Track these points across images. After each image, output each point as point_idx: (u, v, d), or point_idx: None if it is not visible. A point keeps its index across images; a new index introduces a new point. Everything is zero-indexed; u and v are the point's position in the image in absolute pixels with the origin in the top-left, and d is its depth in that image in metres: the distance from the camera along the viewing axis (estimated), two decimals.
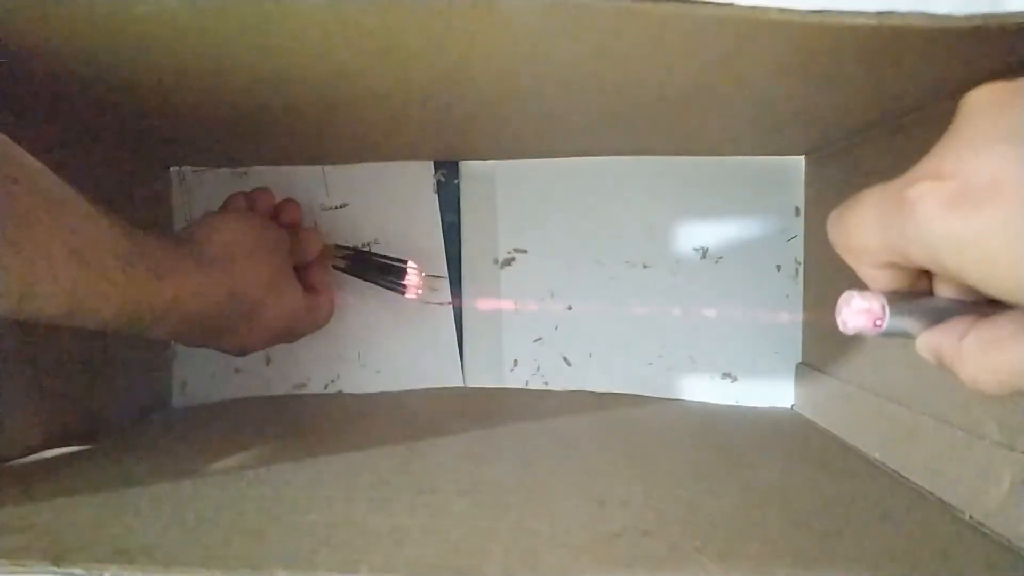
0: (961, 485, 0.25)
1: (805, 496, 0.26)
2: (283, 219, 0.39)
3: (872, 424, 0.32)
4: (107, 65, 0.25)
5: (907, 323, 0.17)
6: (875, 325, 0.17)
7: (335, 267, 0.42)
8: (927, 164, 0.15)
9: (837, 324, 0.17)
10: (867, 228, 0.16)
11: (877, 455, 0.31)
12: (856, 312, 0.17)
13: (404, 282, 0.41)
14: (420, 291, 0.41)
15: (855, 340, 0.35)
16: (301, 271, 0.38)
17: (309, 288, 0.38)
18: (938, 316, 0.16)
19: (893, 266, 0.17)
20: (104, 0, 0.20)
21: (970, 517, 0.24)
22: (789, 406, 0.42)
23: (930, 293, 0.17)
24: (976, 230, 0.13)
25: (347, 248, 0.43)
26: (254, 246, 0.34)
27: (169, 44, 0.23)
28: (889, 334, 0.17)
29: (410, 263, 0.41)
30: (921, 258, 0.15)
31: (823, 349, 0.39)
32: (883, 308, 0.16)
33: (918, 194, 0.14)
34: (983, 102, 0.14)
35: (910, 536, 0.23)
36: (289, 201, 0.40)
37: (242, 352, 0.36)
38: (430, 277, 0.43)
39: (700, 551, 0.21)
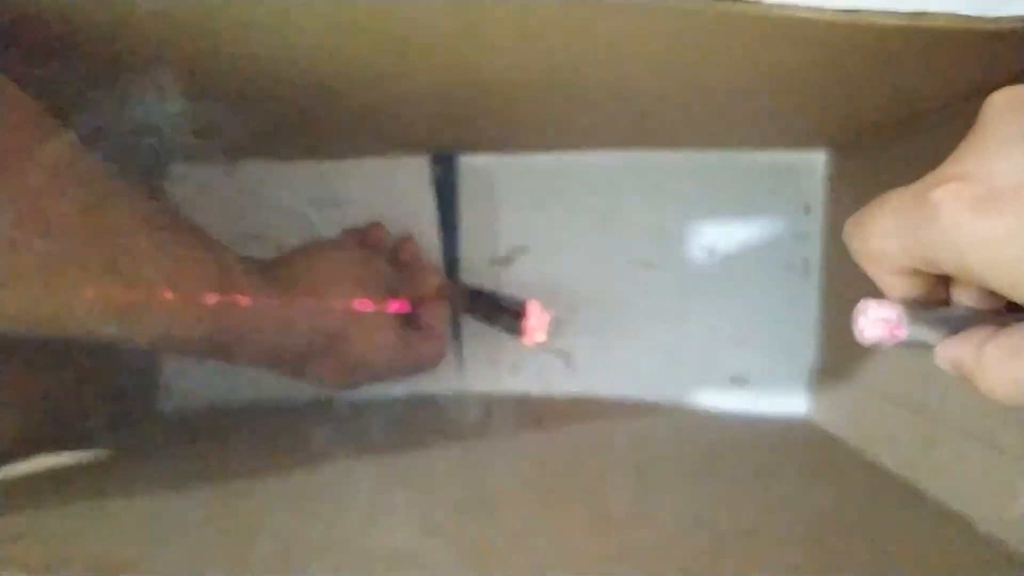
0: (980, 499, 0.24)
1: (820, 512, 0.25)
2: (400, 256, 0.39)
3: (890, 434, 0.31)
4: (101, 56, 0.24)
5: (925, 333, 0.17)
6: (893, 335, 0.16)
7: (457, 309, 0.40)
8: (950, 166, 0.15)
9: (854, 334, 0.17)
10: (888, 232, 0.16)
11: (891, 464, 0.30)
12: (873, 322, 0.16)
13: (523, 325, 0.38)
14: (541, 336, 0.38)
15: (873, 347, 0.34)
16: (415, 310, 0.37)
17: (419, 327, 0.37)
18: (956, 326, 0.16)
19: (913, 272, 0.16)
20: None
21: (987, 532, 0.23)
22: (800, 411, 0.41)
23: (947, 303, 0.17)
24: (1001, 233, 0.13)
25: (465, 286, 0.41)
26: (345, 279, 0.33)
27: (161, 36, 0.23)
28: (908, 344, 0.17)
29: (530, 303, 0.38)
30: (944, 262, 0.15)
31: (840, 355, 0.38)
32: (900, 317, 0.16)
33: (942, 196, 0.14)
34: (1006, 104, 0.14)
35: (928, 551, 0.22)
36: (406, 239, 0.40)
37: (334, 387, 0.35)
38: (553, 321, 0.40)
39: (708, 568, 0.20)
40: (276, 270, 0.32)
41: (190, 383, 0.44)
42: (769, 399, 0.42)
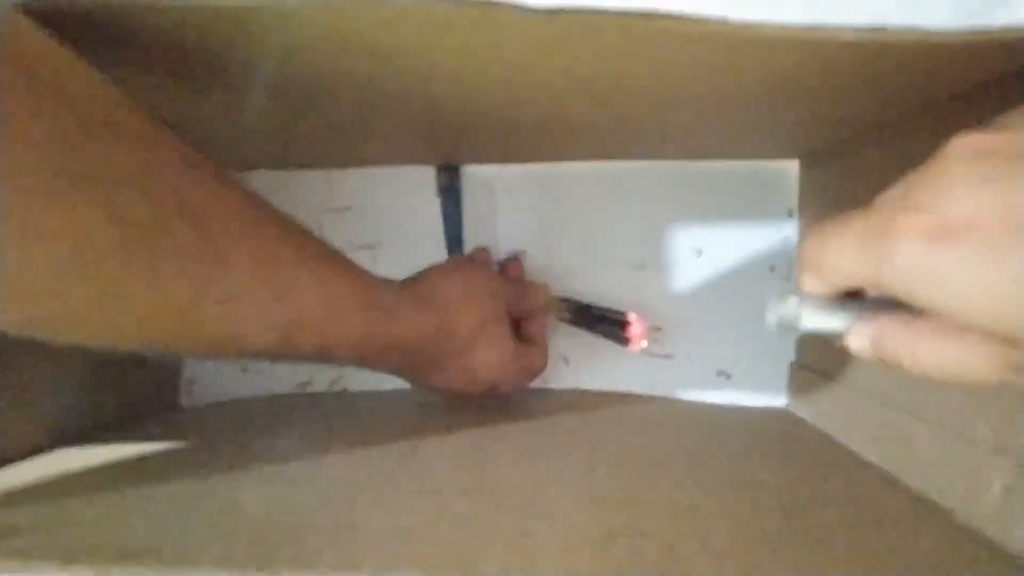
0: (954, 489, 0.25)
1: (800, 497, 0.26)
2: (509, 273, 0.42)
3: (865, 426, 0.32)
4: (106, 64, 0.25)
5: (831, 320, 0.18)
6: (796, 324, 0.18)
7: (559, 319, 0.43)
8: (908, 196, 0.15)
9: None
10: (846, 251, 0.17)
11: (871, 457, 0.31)
12: (776, 313, 0.18)
13: (627, 335, 0.41)
14: (644, 343, 0.41)
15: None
16: (521, 323, 0.40)
17: (525, 339, 0.40)
18: (861, 314, 0.18)
19: (850, 288, 0.17)
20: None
21: (963, 520, 0.24)
22: (783, 404, 0.43)
23: (854, 296, 0.18)
24: (953, 265, 0.14)
25: (570, 301, 0.43)
26: (469, 293, 0.36)
27: (169, 45, 0.23)
28: (814, 330, 0.18)
29: (631, 314, 0.42)
30: (895, 288, 0.15)
31: (817, 351, 0.40)
32: (798, 303, 0.18)
33: (898, 226, 0.15)
34: (964, 150, 0.15)
35: (904, 539, 0.23)
36: (513, 259, 0.43)
37: (452, 393, 0.38)
38: (652, 329, 0.43)
39: (697, 551, 0.21)
40: (409, 289, 0.35)
41: (210, 379, 0.46)
42: (752, 393, 0.43)
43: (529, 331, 0.40)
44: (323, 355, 0.29)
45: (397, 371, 0.35)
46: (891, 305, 0.17)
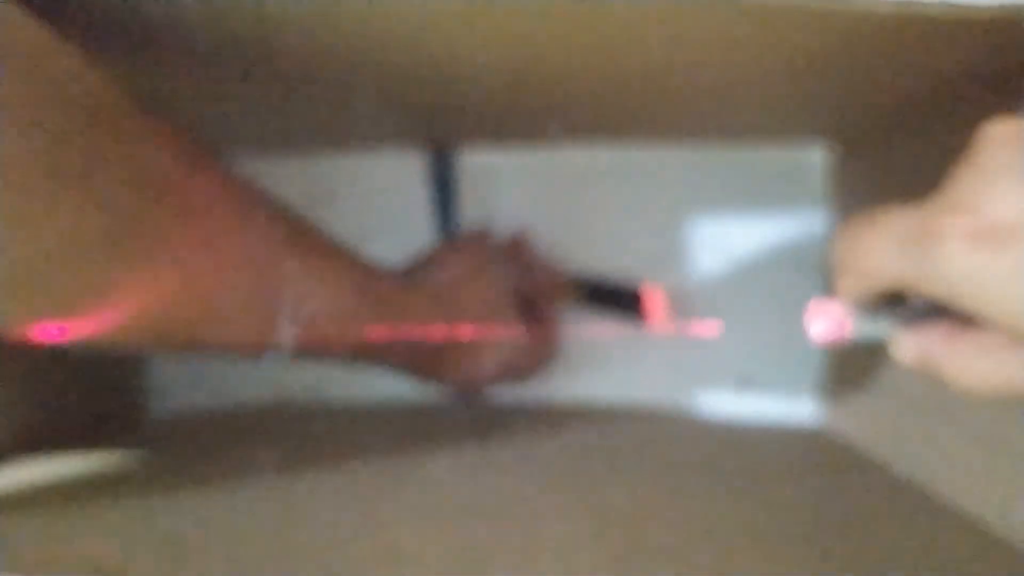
0: (992, 500, 0.24)
1: (827, 515, 0.25)
2: (516, 252, 0.40)
3: (898, 435, 0.31)
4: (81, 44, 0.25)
5: (876, 328, 0.17)
6: (841, 329, 0.18)
7: (573, 300, 0.41)
8: (950, 195, 0.15)
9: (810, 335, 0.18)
10: (884, 252, 0.16)
11: (902, 467, 0.30)
12: (822, 321, 0.18)
13: (643, 311, 0.39)
14: (665, 320, 0.39)
15: (880, 350, 0.34)
16: (532, 304, 0.38)
17: (537, 322, 0.38)
18: (907, 321, 0.17)
19: (888, 292, 0.17)
20: None
21: (1002, 534, 0.23)
22: (807, 413, 0.40)
23: (897, 300, 0.18)
24: (998, 269, 0.14)
25: (583, 280, 0.41)
26: (474, 277, 0.35)
27: (145, 20, 0.22)
28: (861, 339, 0.18)
29: (648, 287, 0.39)
30: (938, 291, 0.15)
31: (848, 356, 0.38)
32: (843, 312, 0.17)
33: (942, 228, 0.15)
34: (999, 138, 0.15)
35: (936, 553, 0.22)
36: (520, 238, 0.41)
37: (467, 388, 0.37)
38: (671, 303, 0.41)
39: (716, 574, 0.20)
40: (409, 277, 0.34)
41: (181, 385, 0.44)
42: (775, 401, 0.41)
43: (541, 313, 0.39)
44: (319, 351, 0.28)
45: (402, 368, 0.34)
46: (936, 310, 0.17)
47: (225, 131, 0.39)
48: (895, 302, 0.17)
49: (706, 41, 0.23)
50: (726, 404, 0.41)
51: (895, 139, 0.33)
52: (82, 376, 0.38)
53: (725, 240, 0.41)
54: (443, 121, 0.38)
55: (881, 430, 0.33)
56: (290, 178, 0.43)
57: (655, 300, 0.39)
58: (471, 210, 0.43)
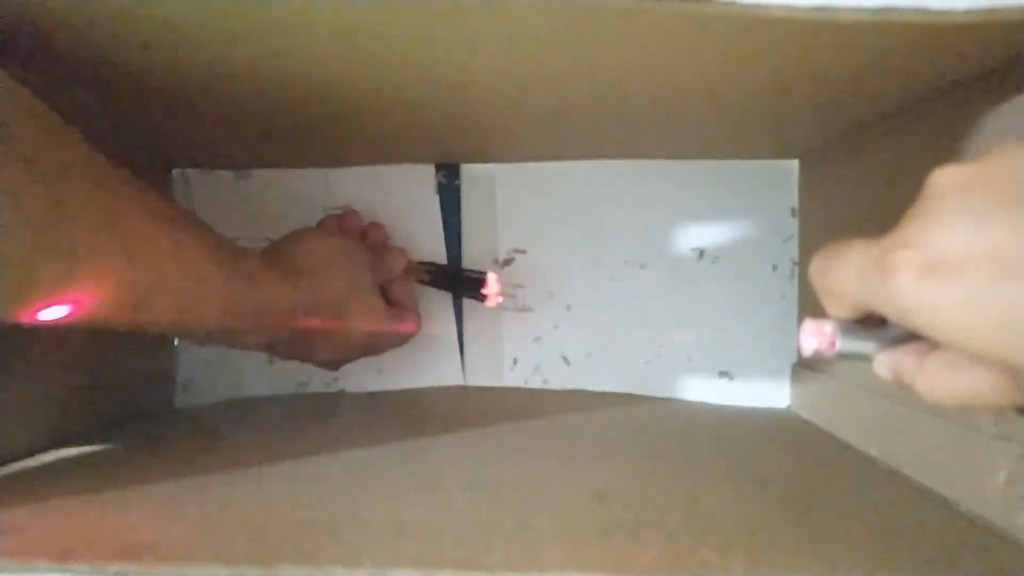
0: (958, 478, 0.25)
1: (802, 491, 0.26)
2: (369, 239, 0.41)
3: (868, 420, 0.32)
4: (111, 64, 0.25)
5: (860, 346, 0.19)
6: (830, 346, 0.19)
7: (419, 281, 0.43)
8: (904, 232, 0.16)
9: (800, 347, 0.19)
10: (848, 281, 0.18)
11: (873, 451, 0.31)
12: (810, 335, 0.19)
13: (484, 291, 0.42)
14: (501, 299, 0.42)
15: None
16: (386, 288, 0.40)
17: (394, 303, 0.40)
18: (890, 341, 0.18)
19: (864, 313, 0.18)
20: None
21: (967, 510, 0.24)
22: (785, 404, 0.42)
23: (883, 322, 0.19)
24: (944, 299, 0.15)
25: (429, 264, 0.44)
26: (335, 260, 0.36)
27: (175, 44, 0.23)
28: (845, 355, 0.19)
29: (490, 273, 0.43)
30: (893, 316, 0.16)
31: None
32: (835, 333, 0.18)
33: (895, 262, 0.16)
34: (948, 183, 0.16)
35: (907, 529, 0.23)
36: (375, 224, 0.42)
37: (336, 365, 0.38)
38: (511, 286, 0.44)
39: (699, 543, 0.21)
40: (273, 256, 0.34)
41: (206, 379, 0.45)
42: (754, 392, 0.43)
43: (396, 295, 0.40)
44: (184, 325, 0.28)
45: (268, 346, 0.34)
46: (913, 332, 0.18)
47: (247, 148, 0.40)
48: (879, 324, 0.19)
49: (694, 56, 0.23)
50: (708, 394, 0.43)
51: (864, 151, 0.34)
52: (112, 369, 0.38)
53: (707, 245, 0.43)
54: (448, 138, 0.39)
55: (847, 414, 0.34)
56: (307, 188, 0.45)
57: (492, 283, 0.42)
58: (472, 217, 0.45)
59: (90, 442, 0.34)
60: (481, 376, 0.45)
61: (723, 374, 0.43)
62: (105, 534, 0.21)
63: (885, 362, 0.18)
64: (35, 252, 0.21)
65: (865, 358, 0.19)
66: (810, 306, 0.41)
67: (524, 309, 0.44)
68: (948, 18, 0.19)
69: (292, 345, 0.35)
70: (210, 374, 0.45)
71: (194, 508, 0.24)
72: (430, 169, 0.45)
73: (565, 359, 0.45)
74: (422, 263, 0.43)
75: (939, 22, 0.19)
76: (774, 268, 0.43)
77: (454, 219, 0.45)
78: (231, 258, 0.30)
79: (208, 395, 0.45)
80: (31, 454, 0.32)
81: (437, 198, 0.45)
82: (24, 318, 0.22)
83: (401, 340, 0.40)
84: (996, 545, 0.21)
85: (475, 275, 0.43)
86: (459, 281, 0.44)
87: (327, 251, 0.36)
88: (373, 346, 0.38)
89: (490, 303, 0.42)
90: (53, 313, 0.23)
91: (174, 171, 0.45)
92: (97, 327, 0.25)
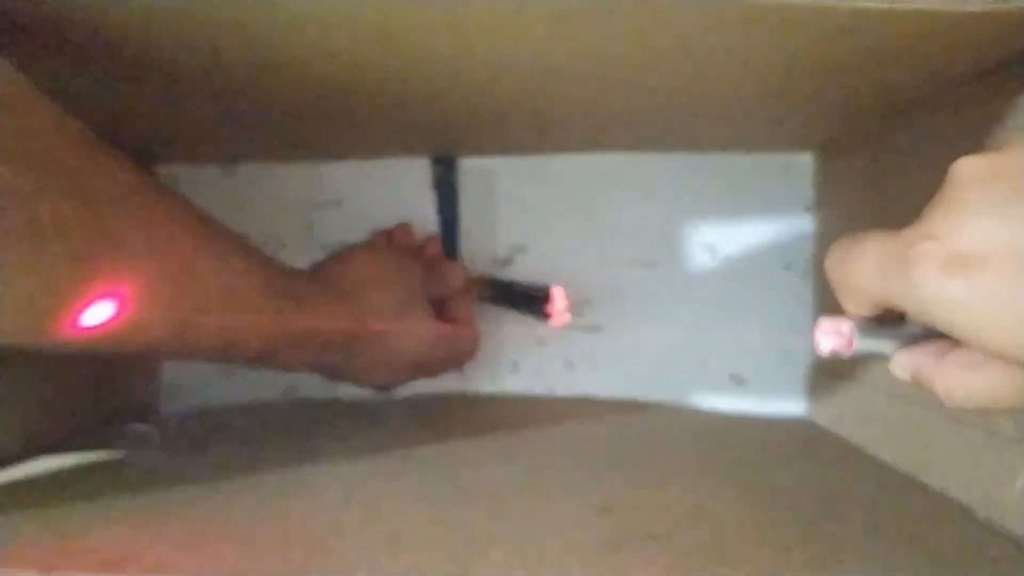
0: (976, 484, 0.24)
1: (816, 499, 0.25)
2: (426, 254, 0.41)
3: (884, 425, 0.31)
4: (91, 58, 0.25)
5: (878, 344, 0.18)
6: (847, 346, 0.18)
7: (480, 299, 0.41)
8: (926, 224, 0.16)
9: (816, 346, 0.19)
10: (867, 274, 0.17)
11: (889, 457, 0.30)
12: (827, 334, 0.18)
13: (549, 309, 0.40)
14: (569, 316, 0.40)
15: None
16: (444, 305, 0.39)
17: (451, 321, 0.39)
18: (908, 339, 0.18)
19: (881, 307, 0.18)
20: None
21: (985, 517, 0.23)
22: (799, 407, 0.41)
23: (901, 318, 0.18)
24: (966, 294, 0.15)
25: (491, 277, 0.42)
26: (385, 279, 0.35)
27: (161, 37, 0.23)
28: (863, 354, 0.18)
29: (554, 287, 0.40)
30: (913, 310, 0.16)
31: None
32: (853, 331, 0.18)
33: (917, 255, 0.15)
34: (971, 174, 0.15)
35: (924, 537, 0.22)
36: (431, 238, 0.42)
37: (384, 386, 0.37)
38: (579, 303, 0.42)
39: (710, 558, 0.20)
40: (320, 276, 0.34)
41: (191, 384, 0.44)
42: (767, 397, 0.42)
43: (453, 312, 0.39)
44: (230, 350, 0.28)
45: (314, 367, 0.34)
46: (932, 329, 0.17)
47: (236, 141, 0.39)
48: (897, 321, 0.18)
49: (703, 46, 0.23)
50: (719, 400, 0.42)
51: (880, 146, 0.33)
52: (94, 378, 0.38)
53: (718, 242, 0.42)
54: (446, 130, 0.38)
55: (864, 419, 0.34)
56: (297, 184, 0.44)
57: (558, 299, 0.40)
58: (470, 213, 0.44)
59: (73, 451, 0.33)
60: (481, 380, 0.44)
61: (735, 377, 0.42)
62: (88, 545, 0.21)
63: (902, 361, 0.18)
64: (80, 281, 0.21)
65: (882, 356, 0.18)
66: (826, 307, 0.41)
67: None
68: (961, 6, 0.19)
69: (341, 368, 0.34)
70: (196, 379, 0.44)
71: (180, 520, 0.23)
72: (426, 163, 0.44)
73: (569, 362, 0.44)
74: (484, 278, 0.42)
75: (953, 10, 0.19)
76: (788, 267, 0.42)
77: (451, 215, 0.44)
78: (277, 279, 0.29)
79: (195, 401, 0.44)
80: (10, 462, 0.31)
81: (433, 193, 0.44)
82: (68, 344, 0.22)
83: (459, 360, 0.39)
84: (1013, 553, 0.21)
85: (540, 291, 0.41)
86: (523, 297, 0.41)
87: (376, 269, 0.35)
88: (427, 366, 0.37)
89: (556, 322, 0.40)
90: (97, 341, 0.23)
91: (160, 170, 0.44)
92: (142, 354, 0.25)
